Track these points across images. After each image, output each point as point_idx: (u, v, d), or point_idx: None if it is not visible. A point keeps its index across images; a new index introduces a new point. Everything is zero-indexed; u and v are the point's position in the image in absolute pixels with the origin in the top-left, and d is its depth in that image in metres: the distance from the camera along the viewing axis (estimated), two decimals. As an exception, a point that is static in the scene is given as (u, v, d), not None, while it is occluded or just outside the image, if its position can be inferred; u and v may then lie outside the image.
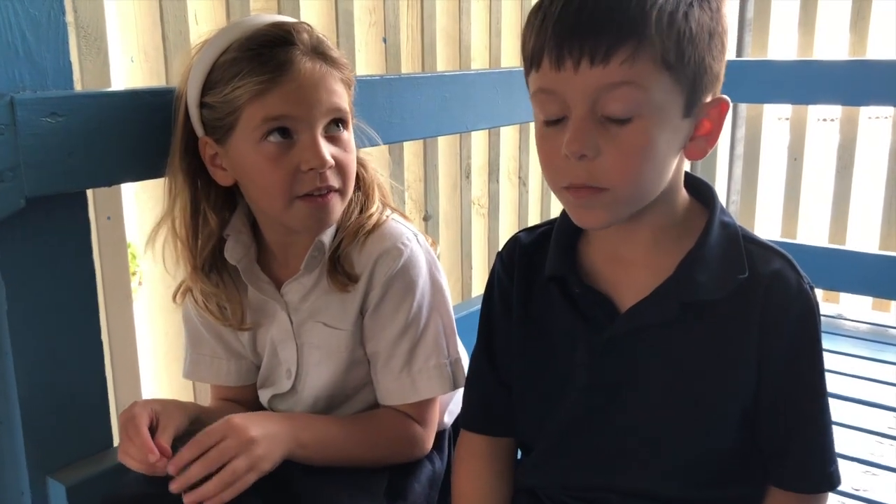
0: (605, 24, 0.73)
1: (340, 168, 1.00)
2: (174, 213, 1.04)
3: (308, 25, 1.01)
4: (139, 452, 0.91)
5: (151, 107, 1.07)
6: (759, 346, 0.82)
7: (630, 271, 0.86)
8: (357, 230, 1.05)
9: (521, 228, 1.02)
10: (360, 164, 1.08)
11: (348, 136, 1.02)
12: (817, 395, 0.85)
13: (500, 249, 0.98)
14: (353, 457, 1.03)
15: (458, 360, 1.09)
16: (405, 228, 1.08)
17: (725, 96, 0.81)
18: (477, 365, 0.99)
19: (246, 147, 0.98)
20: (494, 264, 0.98)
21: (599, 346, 0.85)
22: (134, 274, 1.45)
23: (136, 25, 1.30)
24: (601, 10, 0.73)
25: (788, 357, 0.82)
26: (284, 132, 0.96)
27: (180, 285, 1.10)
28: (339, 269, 1.04)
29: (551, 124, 0.78)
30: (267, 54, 0.95)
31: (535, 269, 0.91)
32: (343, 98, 1.00)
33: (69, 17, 1.16)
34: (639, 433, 0.86)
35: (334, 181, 0.99)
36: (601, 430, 0.88)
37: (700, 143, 0.81)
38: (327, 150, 0.97)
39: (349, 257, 1.05)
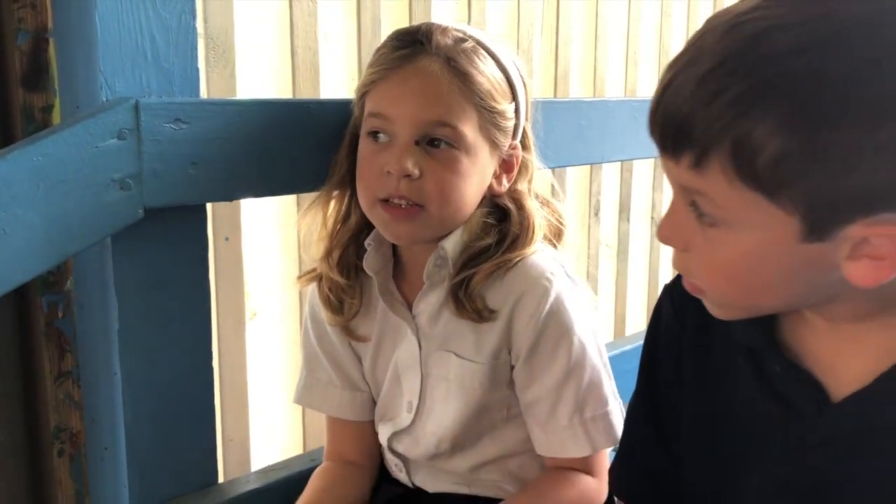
0: None
1: (430, 184, 0.91)
2: (331, 195, 1.01)
3: (467, 37, 0.94)
4: None
5: (280, 119, 1.01)
6: None
7: (846, 347, 0.68)
8: (494, 269, 0.95)
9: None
10: (514, 200, 1.00)
11: (457, 156, 0.92)
12: None
13: (668, 282, 0.83)
14: None
15: (619, 407, 1.00)
16: (551, 262, 0.97)
17: None
18: (635, 424, 0.85)
19: (361, 140, 0.96)
20: (661, 301, 0.82)
21: (801, 444, 0.69)
22: (254, 315, 1.40)
23: (264, 40, 1.25)
24: None
25: None
26: (385, 136, 0.93)
27: (310, 270, 1.05)
28: (467, 300, 0.95)
29: None
30: (394, 48, 0.93)
31: (715, 318, 0.75)
32: (457, 114, 0.91)
33: (199, 28, 1.12)
34: None
35: (413, 195, 0.91)
36: None
37: None
38: (414, 159, 0.90)
39: (481, 293, 0.95)
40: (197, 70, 0.99)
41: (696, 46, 0.59)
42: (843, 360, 0.68)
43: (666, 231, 0.66)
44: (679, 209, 0.65)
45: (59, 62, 1.00)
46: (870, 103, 0.54)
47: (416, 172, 0.90)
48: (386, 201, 0.92)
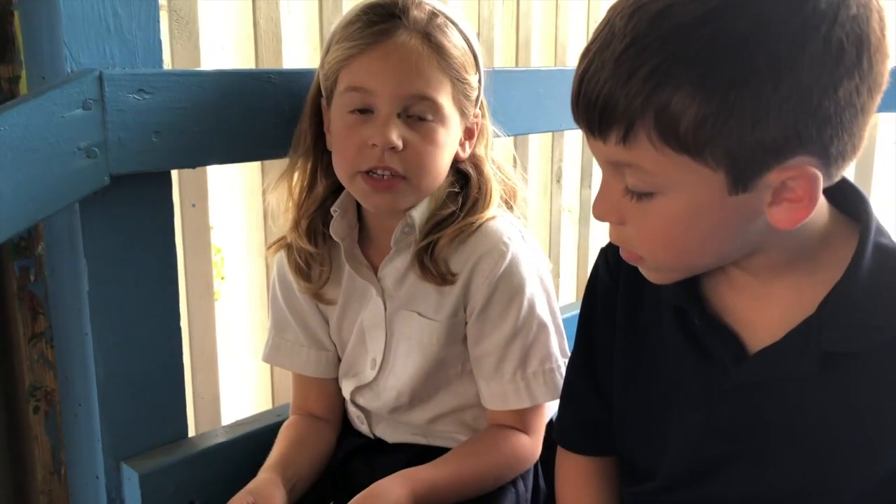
0: None
1: (411, 155, 0.96)
2: (296, 166, 1.05)
3: (436, 10, 0.98)
4: None
5: (241, 88, 1.05)
6: None
7: (763, 303, 0.73)
8: (457, 234, 1.00)
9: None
10: (474, 165, 1.05)
11: (435, 128, 0.97)
12: None
13: (604, 245, 0.88)
14: (466, 492, 1.00)
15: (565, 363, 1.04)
16: (508, 227, 1.03)
17: None
18: (573, 376, 0.91)
19: (336, 113, 0.98)
20: (597, 262, 0.88)
21: (720, 392, 0.75)
22: (223, 279, 1.44)
23: (227, 11, 1.28)
24: None
25: None
26: (365, 110, 0.96)
27: (279, 239, 1.10)
28: (432, 265, 1.01)
29: None
30: (369, 22, 0.95)
31: (645, 277, 0.81)
32: (435, 87, 0.95)
33: (162, 0, 1.15)
34: (759, 495, 0.75)
35: (397, 165, 0.95)
36: (716, 484, 0.77)
37: None
38: (398, 131, 0.94)
39: (445, 258, 1.01)
40: (159, 42, 1.02)
41: (606, 32, 0.64)
42: (757, 316, 0.74)
43: (600, 208, 0.71)
44: (611, 186, 0.69)
45: (25, 34, 1.03)
46: (769, 60, 0.59)
47: (400, 144, 0.94)
48: (367, 172, 0.96)
